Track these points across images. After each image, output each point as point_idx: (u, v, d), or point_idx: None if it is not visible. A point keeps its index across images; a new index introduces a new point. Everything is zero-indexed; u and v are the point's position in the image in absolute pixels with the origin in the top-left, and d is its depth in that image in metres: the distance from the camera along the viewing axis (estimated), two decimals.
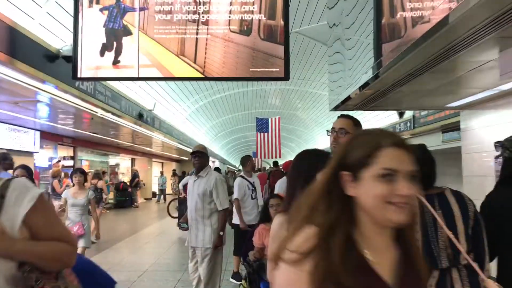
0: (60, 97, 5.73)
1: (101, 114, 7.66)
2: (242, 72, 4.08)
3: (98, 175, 10.50)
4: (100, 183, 10.06)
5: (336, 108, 3.98)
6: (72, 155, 12.72)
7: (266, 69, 3.97)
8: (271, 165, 15.08)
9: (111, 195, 16.44)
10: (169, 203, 9.69)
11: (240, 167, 6.51)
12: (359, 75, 3.09)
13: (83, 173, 5.13)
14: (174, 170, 22.37)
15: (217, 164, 34.14)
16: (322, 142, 28.27)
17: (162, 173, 20.93)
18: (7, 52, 4.13)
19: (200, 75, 4.08)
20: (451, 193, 1.72)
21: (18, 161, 5.51)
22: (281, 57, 3.92)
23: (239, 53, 3.99)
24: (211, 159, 29.79)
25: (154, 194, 21.87)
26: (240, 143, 37.31)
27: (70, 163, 12.32)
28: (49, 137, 10.95)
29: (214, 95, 16.54)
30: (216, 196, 3.65)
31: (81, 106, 6.50)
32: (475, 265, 1.19)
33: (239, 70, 4.03)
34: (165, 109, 13.44)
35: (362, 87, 3.04)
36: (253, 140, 35.51)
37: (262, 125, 17.86)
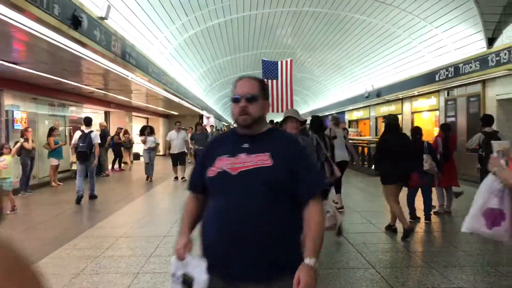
0: None
1: None
2: None
3: None
4: None
5: None
6: None
7: None
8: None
9: (73, 158, 12.38)
10: None
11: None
12: None
13: None
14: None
15: (212, 120, 29.68)
16: (334, 97, 23.50)
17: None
18: None
19: None
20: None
21: None
22: None
23: None
24: (205, 113, 25.34)
25: (136, 156, 17.76)
26: None
27: None
28: None
29: (211, 19, 11.96)
30: None
31: None
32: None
33: None
34: (136, 32, 8.96)
35: None
36: None
37: (270, 70, 13.32)
